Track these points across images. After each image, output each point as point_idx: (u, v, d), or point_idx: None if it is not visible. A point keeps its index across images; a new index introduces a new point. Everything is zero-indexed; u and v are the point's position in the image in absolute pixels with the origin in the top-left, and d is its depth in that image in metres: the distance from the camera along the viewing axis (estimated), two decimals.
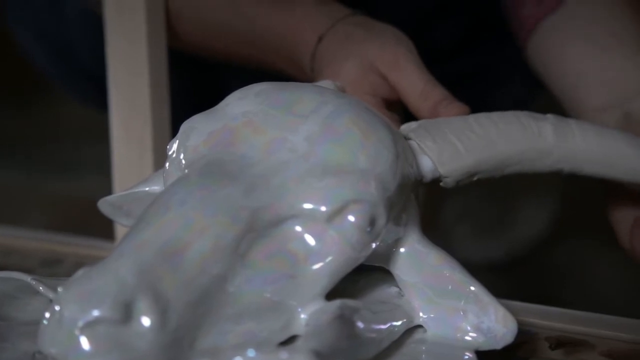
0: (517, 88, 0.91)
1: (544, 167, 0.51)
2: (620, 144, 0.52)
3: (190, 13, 0.67)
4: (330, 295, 0.43)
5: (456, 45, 0.86)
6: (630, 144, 0.52)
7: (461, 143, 0.49)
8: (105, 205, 0.53)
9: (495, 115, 0.51)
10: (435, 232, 0.49)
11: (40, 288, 0.43)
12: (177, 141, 0.46)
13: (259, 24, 0.64)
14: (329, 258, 0.42)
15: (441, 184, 0.50)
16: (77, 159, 1.33)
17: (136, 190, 0.51)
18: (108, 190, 0.83)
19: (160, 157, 0.67)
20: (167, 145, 0.67)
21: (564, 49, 0.65)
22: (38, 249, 0.69)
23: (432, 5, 0.75)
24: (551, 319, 0.52)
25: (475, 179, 0.50)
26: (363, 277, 0.47)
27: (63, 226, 0.76)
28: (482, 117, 0.51)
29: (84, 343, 0.36)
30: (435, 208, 0.97)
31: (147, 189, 0.51)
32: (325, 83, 0.54)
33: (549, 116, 0.51)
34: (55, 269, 0.66)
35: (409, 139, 0.50)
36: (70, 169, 1.29)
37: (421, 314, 0.45)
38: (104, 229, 0.70)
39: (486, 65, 0.89)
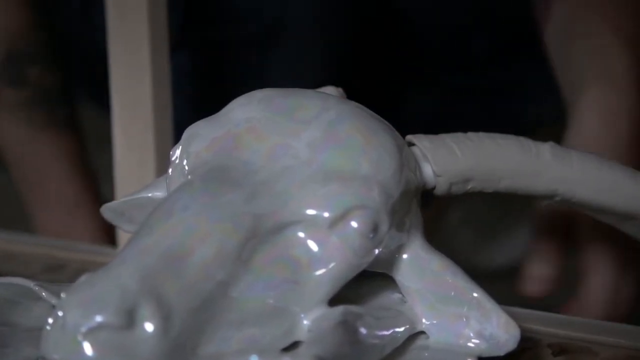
0: (548, 105, 0.92)
1: (538, 186, 0.51)
2: (619, 175, 0.51)
3: None
4: (333, 301, 0.43)
5: (489, 60, 0.87)
6: (630, 177, 0.51)
7: (457, 147, 0.49)
8: (107, 211, 0.53)
9: (495, 134, 0.51)
10: (439, 238, 0.49)
11: (43, 294, 0.43)
12: (180, 147, 0.46)
13: None
14: (332, 264, 0.42)
15: (434, 190, 0.50)
16: None
17: (138, 196, 0.51)
18: (109, 196, 0.84)
19: (162, 163, 0.67)
20: (169, 151, 0.67)
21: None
22: (40, 254, 0.69)
23: (467, 17, 0.76)
24: (554, 325, 0.52)
25: (469, 187, 0.50)
26: (365, 283, 0.47)
27: None
28: (481, 133, 0.51)
29: (87, 349, 0.36)
30: (439, 213, 0.98)
31: (149, 194, 0.51)
32: (329, 89, 0.54)
33: (550, 142, 0.51)
34: (57, 274, 0.66)
35: (412, 144, 0.50)
36: None
37: (424, 320, 0.45)
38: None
39: (518, 81, 0.89)
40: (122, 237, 0.69)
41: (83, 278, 0.38)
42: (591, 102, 0.66)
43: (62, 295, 0.37)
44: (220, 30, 0.86)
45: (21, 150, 0.82)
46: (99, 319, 0.36)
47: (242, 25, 0.87)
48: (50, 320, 0.37)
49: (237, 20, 0.87)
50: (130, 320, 0.36)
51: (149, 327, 0.37)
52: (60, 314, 0.37)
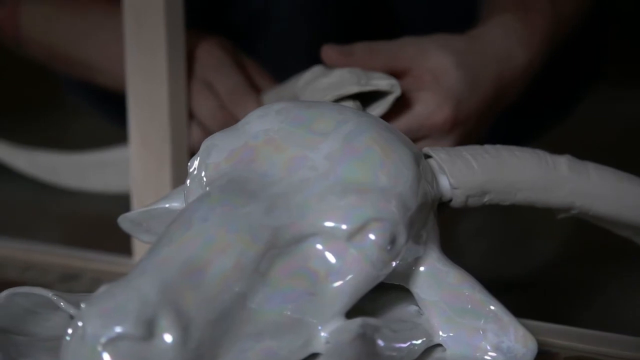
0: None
1: (555, 199, 0.51)
2: (637, 188, 0.51)
3: (40, 39, 0.83)
4: (350, 314, 0.43)
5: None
6: None
7: (474, 159, 0.49)
8: (125, 221, 0.53)
9: (512, 146, 0.51)
10: (452, 249, 0.49)
11: (62, 304, 0.43)
12: (198, 158, 0.46)
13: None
14: (350, 276, 0.42)
15: (451, 202, 0.50)
16: None
17: (156, 206, 0.51)
18: (117, 205, 0.84)
19: (178, 173, 0.68)
20: (185, 161, 0.68)
21: None
22: (56, 264, 0.69)
23: (454, 9, 0.77)
24: (571, 339, 0.52)
25: (485, 200, 0.50)
26: (382, 295, 0.47)
27: (72, 241, 0.76)
28: (498, 145, 0.51)
29: (107, 359, 0.36)
30: (452, 224, 0.98)
31: (167, 205, 0.51)
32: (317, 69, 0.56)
33: (567, 155, 0.51)
34: (73, 284, 0.66)
35: (429, 157, 0.50)
36: None
37: (441, 333, 0.45)
38: (112, 243, 0.71)
39: None
40: (139, 247, 0.69)
41: (102, 288, 0.38)
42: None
43: (82, 305, 0.37)
44: (207, 20, 0.87)
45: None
46: (118, 329, 0.36)
47: (228, 15, 0.88)
48: (69, 331, 0.38)
49: (224, 10, 0.88)
50: (149, 331, 0.36)
51: (168, 338, 0.37)
52: (80, 324, 0.37)
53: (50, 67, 0.88)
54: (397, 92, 0.57)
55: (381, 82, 0.57)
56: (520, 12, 0.67)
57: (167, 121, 0.67)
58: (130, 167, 0.68)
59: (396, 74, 0.61)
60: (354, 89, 0.55)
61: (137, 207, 0.67)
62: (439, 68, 0.61)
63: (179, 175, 0.68)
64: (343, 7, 0.89)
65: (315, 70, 0.62)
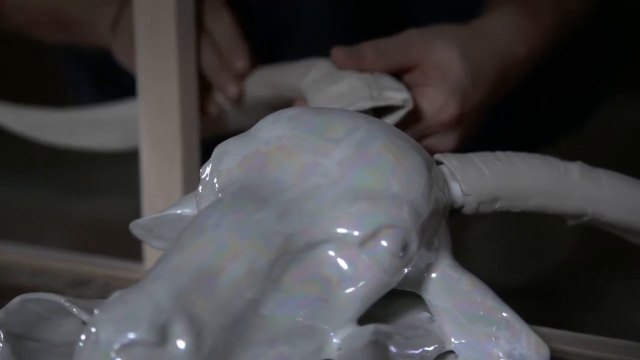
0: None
1: (566, 205, 0.51)
2: None
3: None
4: (362, 320, 0.43)
5: None
6: None
7: (486, 166, 0.49)
8: (136, 227, 0.53)
9: (523, 153, 0.51)
10: (461, 255, 0.49)
11: (74, 310, 0.43)
12: (210, 165, 0.46)
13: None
14: (362, 283, 0.42)
15: (463, 209, 0.50)
16: (95, 180, 1.34)
17: (167, 213, 0.51)
18: (127, 211, 0.84)
19: (189, 178, 0.68)
20: (196, 166, 0.68)
21: None
22: (66, 270, 0.69)
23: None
24: (583, 346, 0.52)
25: (497, 206, 0.50)
26: (394, 301, 0.47)
27: (81, 247, 0.76)
28: (509, 152, 0.51)
29: None
30: (461, 230, 0.98)
31: (178, 211, 0.51)
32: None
33: (578, 162, 0.51)
34: (84, 290, 0.66)
35: (440, 163, 0.50)
36: (87, 189, 1.29)
37: (453, 340, 0.45)
38: (120, 249, 0.71)
39: None
40: (149, 252, 0.69)
41: (115, 295, 0.38)
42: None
43: (95, 311, 0.37)
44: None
45: None
46: (131, 335, 0.36)
47: (250, 29, 0.88)
48: (83, 337, 0.38)
49: (245, 23, 0.89)
50: (162, 337, 0.36)
51: (181, 344, 0.37)
52: (93, 330, 0.37)
53: (34, 35, 0.88)
54: (409, 107, 0.57)
55: (394, 95, 0.56)
56: (523, 6, 0.68)
57: (179, 127, 0.67)
58: (141, 173, 0.68)
59: (405, 70, 0.62)
60: (367, 105, 0.55)
61: (148, 212, 0.67)
62: (446, 62, 0.61)
63: (190, 181, 0.68)
64: (367, 20, 0.89)
65: (323, 67, 0.61)
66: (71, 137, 0.79)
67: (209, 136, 0.70)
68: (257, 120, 0.58)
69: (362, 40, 0.63)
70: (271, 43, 0.86)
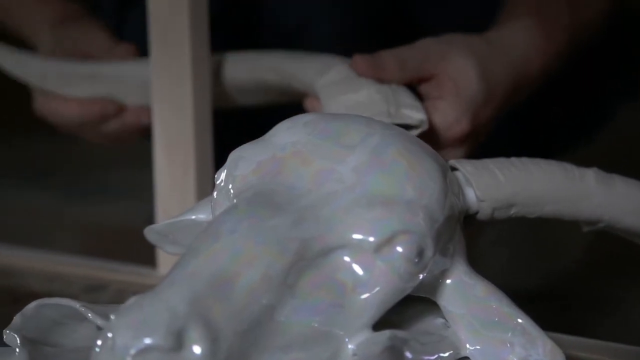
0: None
1: (582, 211, 0.50)
2: None
3: None
4: (377, 326, 0.43)
5: None
6: None
7: (501, 172, 0.49)
8: (151, 233, 0.53)
9: (539, 159, 0.51)
10: (475, 260, 0.49)
11: (89, 315, 0.43)
12: (225, 170, 0.46)
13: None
14: (377, 288, 0.42)
15: (477, 215, 0.50)
16: (108, 184, 1.34)
17: (182, 218, 0.52)
18: (141, 217, 0.84)
19: (202, 182, 0.68)
20: (209, 170, 0.68)
21: None
22: (80, 275, 0.70)
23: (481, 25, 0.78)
24: (599, 352, 0.51)
25: (512, 212, 0.50)
26: (409, 307, 0.47)
27: (96, 252, 0.77)
28: (524, 158, 0.51)
29: None
30: (476, 236, 0.97)
31: (193, 217, 0.51)
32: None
33: (594, 168, 0.51)
34: (98, 295, 0.66)
35: (455, 169, 0.50)
36: (100, 194, 1.30)
37: (468, 346, 0.45)
38: (136, 254, 0.71)
39: None
40: (163, 258, 0.69)
41: (132, 300, 0.38)
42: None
43: (112, 316, 0.38)
44: (243, 37, 0.87)
45: None
46: (148, 341, 0.36)
47: (259, 36, 0.88)
48: (99, 342, 0.38)
49: (253, 31, 0.89)
50: (178, 342, 0.37)
51: (197, 349, 0.37)
52: (109, 335, 0.37)
53: None
54: (424, 128, 0.57)
55: (411, 114, 0.56)
56: (538, 16, 0.68)
57: (192, 132, 0.67)
58: (154, 177, 0.69)
59: (421, 80, 0.62)
60: (384, 121, 0.55)
61: (162, 217, 0.68)
62: (461, 77, 0.61)
63: (203, 187, 0.68)
64: (377, 28, 0.89)
65: (341, 70, 0.61)
66: (69, 88, 0.79)
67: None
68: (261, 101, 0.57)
69: (372, 46, 0.63)
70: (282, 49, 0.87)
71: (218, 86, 0.72)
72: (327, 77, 0.61)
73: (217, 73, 0.72)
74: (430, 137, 0.60)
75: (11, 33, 0.90)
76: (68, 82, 0.78)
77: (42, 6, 0.86)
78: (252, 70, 0.72)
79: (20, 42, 0.86)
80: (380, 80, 0.59)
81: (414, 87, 0.61)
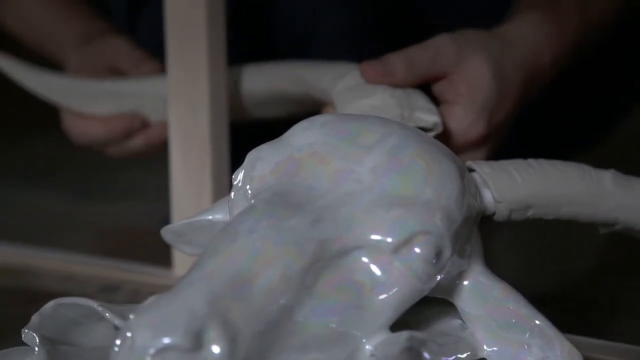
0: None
1: (599, 213, 0.50)
2: None
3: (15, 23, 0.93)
4: (394, 327, 0.43)
5: None
6: None
7: (518, 173, 0.49)
8: (167, 233, 0.54)
9: (556, 160, 0.51)
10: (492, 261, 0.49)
11: (107, 314, 0.43)
12: (243, 171, 0.46)
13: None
14: (395, 289, 0.42)
15: (494, 216, 0.49)
16: (124, 184, 1.34)
17: (199, 218, 0.52)
18: (156, 217, 0.84)
19: (219, 183, 0.68)
20: (226, 171, 0.68)
21: None
22: (96, 275, 0.70)
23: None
24: (616, 355, 0.51)
25: (529, 214, 0.50)
26: (426, 308, 0.47)
27: (111, 253, 0.77)
28: (541, 159, 0.51)
29: None
30: (493, 237, 0.97)
31: (209, 217, 0.51)
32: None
33: (611, 170, 0.51)
34: (113, 295, 0.67)
35: (472, 170, 0.50)
36: (116, 194, 1.30)
37: (485, 347, 0.45)
38: (151, 255, 0.71)
39: None
40: (178, 258, 0.69)
41: (151, 300, 0.38)
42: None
43: (131, 316, 0.38)
44: (248, 45, 0.88)
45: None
46: (167, 340, 0.36)
47: (269, 40, 0.89)
48: (118, 341, 0.38)
49: (264, 35, 0.89)
50: (197, 342, 0.37)
51: (215, 349, 0.37)
52: (128, 334, 0.37)
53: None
54: (438, 130, 0.57)
55: (425, 117, 0.56)
56: (549, 11, 0.67)
57: (208, 133, 0.67)
58: (170, 177, 0.69)
59: (434, 80, 0.61)
60: None
61: (177, 218, 0.68)
62: (476, 78, 0.61)
63: (220, 188, 0.68)
64: (386, 30, 0.89)
65: (355, 75, 0.61)
66: (90, 106, 0.79)
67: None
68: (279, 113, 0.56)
69: (382, 47, 0.63)
70: (292, 52, 0.87)
71: (235, 99, 0.73)
72: (342, 83, 0.61)
73: (234, 86, 0.72)
74: (447, 141, 0.60)
75: (36, 51, 0.91)
76: (92, 100, 0.78)
77: (68, 24, 0.87)
78: (269, 81, 0.72)
79: (43, 60, 0.87)
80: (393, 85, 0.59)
81: (428, 86, 0.61)
